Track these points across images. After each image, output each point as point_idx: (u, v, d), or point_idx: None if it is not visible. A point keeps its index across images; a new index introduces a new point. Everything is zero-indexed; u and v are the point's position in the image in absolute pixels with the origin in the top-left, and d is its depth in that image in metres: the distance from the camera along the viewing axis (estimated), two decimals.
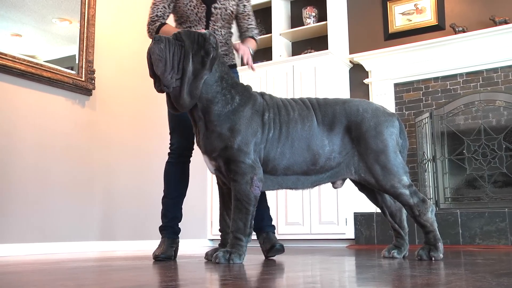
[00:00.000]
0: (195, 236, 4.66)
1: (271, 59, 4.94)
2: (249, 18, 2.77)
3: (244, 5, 2.77)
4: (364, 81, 4.80)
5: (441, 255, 2.24)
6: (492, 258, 2.41)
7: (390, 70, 4.66)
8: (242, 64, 2.67)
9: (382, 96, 4.66)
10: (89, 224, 3.68)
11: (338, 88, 4.60)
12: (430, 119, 4.29)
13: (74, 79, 3.65)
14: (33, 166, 3.36)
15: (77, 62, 3.73)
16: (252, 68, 2.60)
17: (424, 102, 4.53)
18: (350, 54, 4.90)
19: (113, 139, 3.95)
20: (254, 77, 4.66)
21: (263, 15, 5.26)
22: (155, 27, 2.61)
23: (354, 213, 4.35)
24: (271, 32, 5.07)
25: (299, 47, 5.21)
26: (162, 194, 4.43)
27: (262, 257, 2.61)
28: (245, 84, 2.36)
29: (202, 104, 2.20)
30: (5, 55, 3.23)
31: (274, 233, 2.67)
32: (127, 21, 4.22)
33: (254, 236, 2.40)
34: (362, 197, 2.66)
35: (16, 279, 1.58)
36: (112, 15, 4.09)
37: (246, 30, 2.78)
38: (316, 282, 1.40)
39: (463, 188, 4.25)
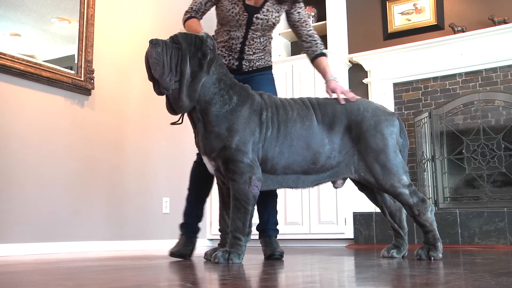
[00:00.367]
0: None
1: None
2: (306, 24, 2.70)
3: (298, 12, 2.70)
4: (363, 80, 4.81)
5: (440, 255, 2.25)
6: (491, 257, 2.41)
7: (389, 69, 4.66)
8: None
9: (381, 95, 4.67)
10: (89, 224, 3.68)
11: None
12: (429, 119, 4.30)
13: (73, 79, 3.65)
14: (32, 166, 3.35)
15: (76, 62, 3.73)
16: (353, 97, 2.43)
17: (423, 101, 4.54)
18: (349, 53, 4.90)
19: (112, 138, 3.95)
20: None
21: None
22: (184, 18, 2.71)
23: (353, 213, 4.35)
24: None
25: (298, 46, 5.21)
26: (162, 193, 4.46)
27: (262, 257, 2.61)
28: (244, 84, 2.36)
29: (200, 106, 2.21)
30: (4, 54, 3.22)
31: (277, 237, 2.67)
32: (126, 21, 4.22)
33: (254, 236, 2.40)
34: (361, 197, 2.66)
35: (16, 279, 1.58)
36: (111, 15, 4.08)
37: (308, 41, 2.69)
38: (315, 282, 1.40)
39: (462, 188, 4.26)
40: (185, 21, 2.69)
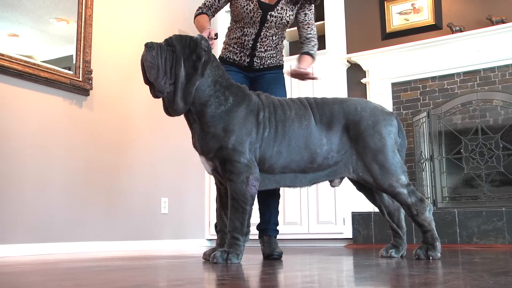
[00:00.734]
0: (193, 236, 4.66)
1: None
2: (308, 27, 2.71)
3: (305, 14, 2.72)
4: (361, 80, 4.81)
5: (439, 254, 2.25)
6: (490, 257, 2.41)
7: (388, 69, 4.67)
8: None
9: (379, 95, 4.67)
10: (87, 225, 3.67)
11: (336, 88, 4.61)
12: (428, 119, 4.30)
13: (72, 79, 3.64)
14: (30, 167, 3.35)
15: (74, 62, 3.72)
16: (315, 77, 2.55)
17: (421, 101, 4.54)
18: (347, 53, 4.90)
19: (110, 139, 3.95)
20: None
21: None
22: (195, 14, 2.73)
23: (352, 212, 4.35)
24: None
25: (296, 46, 5.21)
26: (160, 194, 4.46)
27: (260, 257, 2.61)
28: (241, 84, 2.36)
29: (195, 108, 2.21)
30: (2, 55, 3.22)
31: (276, 237, 2.67)
32: (124, 21, 4.22)
33: (252, 235, 2.40)
34: (360, 196, 2.66)
35: (14, 279, 1.58)
36: (109, 15, 4.08)
37: (303, 42, 2.72)
38: (314, 282, 1.40)
39: (460, 187, 4.26)
40: (195, 16, 2.72)
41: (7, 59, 3.24)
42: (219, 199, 2.44)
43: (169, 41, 2.20)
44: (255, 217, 2.47)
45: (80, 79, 3.71)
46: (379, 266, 1.90)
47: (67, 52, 3.72)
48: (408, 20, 4.73)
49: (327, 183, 2.44)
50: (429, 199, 4.18)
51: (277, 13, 2.64)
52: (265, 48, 2.69)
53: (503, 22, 4.19)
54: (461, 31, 4.34)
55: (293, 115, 2.28)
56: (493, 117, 4.18)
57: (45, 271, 1.84)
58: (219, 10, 2.79)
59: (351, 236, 4.33)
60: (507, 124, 4.05)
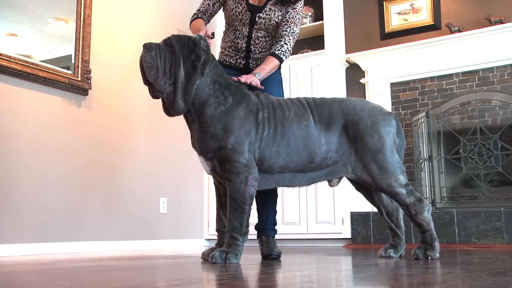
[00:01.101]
0: (191, 236, 4.66)
1: None
2: (285, 24, 2.63)
3: (287, 12, 2.66)
4: (360, 80, 4.81)
5: (438, 254, 2.25)
6: (488, 257, 2.41)
7: (387, 69, 4.67)
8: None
9: (378, 95, 4.67)
10: (86, 225, 3.67)
11: (335, 88, 4.61)
12: (426, 119, 4.30)
13: (70, 79, 3.64)
14: (29, 166, 3.35)
15: (73, 62, 3.72)
16: (258, 86, 2.45)
17: (420, 101, 4.54)
18: (346, 53, 4.90)
19: (109, 139, 3.95)
20: None
21: None
22: (190, 19, 2.74)
23: (351, 212, 4.35)
24: None
25: (295, 46, 5.16)
26: (159, 193, 4.45)
27: (259, 257, 2.61)
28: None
29: (195, 107, 2.21)
30: (1, 54, 3.21)
31: (275, 237, 2.67)
32: (123, 21, 4.22)
33: (251, 235, 2.40)
34: (359, 196, 2.66)
35: (13, 279, 1.58)
36: (108, 15, 4.08)
37: (276, 40, 2.64)
38: (313, 282, 1.40)
39: (459, 187, 4.26)
40: (191, 21, 2.73)
41: (6, 58, 3.24)
42: (218, 199, 2.44)
43: (167, 42, 2.20)
44: (253, 217, 2.47)
45: (79, 79, 3.71)
46: (377, 266, 1.90)
47: (66, 52, 3.72)
48: (407, 20, 4.74)
49: (325, 183, 2.44)
50: (427, 199, 4.19)
51: (265, 14, 2.64)
52: (260, 49, 2.69)
53: (501, 22, 4.19)
54: (460, 31, 4.34)
55: (292, 115, 2.28)
56: (491, 117, 4.18)
57: (44, 271, 1.84)
58: (214, 15, 2.80)
59: (349, 236, 4.33)
60: (505, 124, 4.05)
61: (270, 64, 2.55)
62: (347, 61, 4.88)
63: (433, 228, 2.29)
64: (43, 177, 3.43)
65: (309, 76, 4.59)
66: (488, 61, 4.24)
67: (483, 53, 4.25)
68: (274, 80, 2.72)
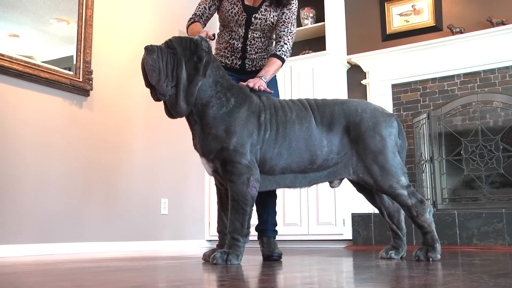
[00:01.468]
0: (192, 237, 4.66)
1: None
2: (282, 25, 2.64)
3: (283, 12, 2.66)
4: (361, 82, 4.81)
5: (439, 256, 2.25)
6: (489, 258, 2.41)
7: (388, 71, 4.67)
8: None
9: (379, 97, 4.67)
10: (87, 225, 3.67)
11: (336, 89, 4.61)
12: (428, 120, 4.30)
13: (72, 80, 3.64)
14: (30, 167, 3.35)
15: (74, 62, 3.72)
16: (268, 90, 2.48)
17: (421, 103, 4.54)
18: (348, 55, 4.90)
19: (110, 139, 3.95)
20: None
21: None
22: (187, 24, 2.73)
23: (352, 213, 4.35)
24: None
25: (296, 48, 5.21)
26: (160, 194, 4.45)
27: (260, 258, 2.61)
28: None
29: (197, 108, 2.22)
30: (3, 55, 3.22)
31: (275, 238, 2.67)
32: (125, 22, 4.22)
33: (252, 237, 2.40)
34: (360, 198, 2.66)
35: (13, 280, 1.58)
36: (110, 16, 4.08)
37: (275, 41, 2.66)
38: (314, 283, 1.40)
39: (460, 189, 4.26)
40: (188, 26, 2.72)
41: (8, 59, 3.24)
42: (219, 200, 2.44)
43: (169, 44, 2.20)
44: (254, 218, 2.47)
45: (80, 80, 3.71)
46: (378, 268, 1.90)
47: (67, 53, 3.72)
48: (408, 21, 4.74)
49: (326, 184, 2.44)
50: (429, 200, 4.18)
51: (261, 15, 2.65)
52: (256, 50, 2.70)
53: (503, 23, 4.19)
54: (461, 32, 4.34)
55: (294, 117, 2.28)
56: (493, 119, 4.18)
57: (45, 272, 1.84)
58: (210, 18, 2.79)
59: (351, 237, 4.33)
60: (507, 125, 4.05)
61: (273, 66, 2.56)
62: (348, 62, 4.88)
63: (434, 229, 2.28)
64: (44, 178, 3.43)
65: (310, 77, 4.59)
66: (489, 62, 4.24)
67: (485, 54, 4.25)
68: (270, 82, 2.72)
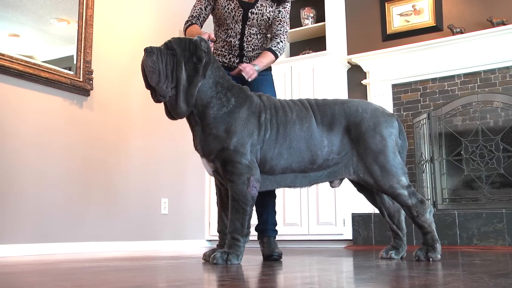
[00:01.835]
0: (193, 237, 4.66)
1: None
2: (279, 23, 2.71)
3: (279, 11, 2.73)
4: (362, 82, 4.81)
5: (439, 256, 2.25)
6: (490, 259, 2.41)
7: (388, 71, 4.67)
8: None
9: (380, 97, 4.67)
10: (87, 225, 3.67)
11: (336, 89, 4.61)
12: (428, 120, 4.30)
13: (72, 80, 3.65)
14: (30, 167, 3.35)
15: (75, 62, 3.72)
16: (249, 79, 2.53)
17: (422, 103, 4.54)
18: (348, 55, 4.90)
19: (110, 139, 3.95)
20: None
21: None
22: (184, 28, 2.72)
23: (352, 213, 4.35)
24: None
25: (297, 48, 5.22)
26: (160, 194, 4.45)
27: (260, 258, 2.61)
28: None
29: (197, 109, 2.22)
30: (3, 55, 3.22)
31: (275, 237, 2.67)
32: (125, 22, 4.22)
33: (252, 237, 2.39)
34: (360, 198, 2.66)
35: (13, 279, 1.58)
36: (110, 16, 4.08)
37: (271, 38, 2.73)
38: (314, 283, 1.40)
39: (460, 189, 4.26)
40: (185, 29, 2.71)
41: (8, 59, 3.24)
42: (219, 200, 2.44)
43: (168, 45, 2.20)
44: (253, 219, 2.47)
45: (81, 80, 3.71)
46: (379, 268, 1.90)
47: (67, 53, 3.72)
48: (408, 21, 4.73)
49: (327, 184, 2.44)
50: (429, 200, 4.18)
51: (258, 10, 2.67)
52: (252, 47, 2.71)
53: (503, 24, 4.19)
54: (461, 32, 4.34)
55: (295, 117, 2.28)
56: (493, 119, 4.17)
57: (45, 271, 1.84)
58: (207, 19, 2.79)
59: (351, 238, 4.33)
60: (507, 125, 4.05)
61: (267, 58, 2.63)
62: (348, 62, 4.88)
63: (434, 229, 2.28)
64: (44, 178, 3.43)
65: (311, 77, 4.59)
66: (490, 62, 4.24)
67: (485, 54, 4.25)
68: (267, 81, 2.75)
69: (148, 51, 2.15)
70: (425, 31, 4.62)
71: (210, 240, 4.81)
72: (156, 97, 2.19)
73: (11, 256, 3.08)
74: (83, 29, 3.77)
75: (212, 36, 2.43)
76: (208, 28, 2.84)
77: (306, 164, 2.26)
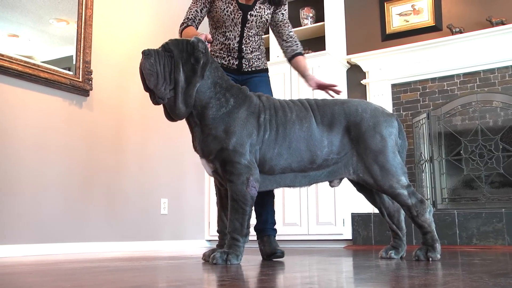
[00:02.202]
0: (192, 237, 4.66)
1: (269, 60, 4.94)
2: (288, 25, 2.79)
3: (283, 14, 2.79)
4: (361, 81, 4.81)
5: (439, 256, 2.25)
6: (489, 258, 2.41)
7: (388, 70, 4.67)
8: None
9: (379, 96, 4.67)
10: (87, 225, 3.67)
11: None
12: (427, 120, 4.30)
13: (71, 80, 3.64)
14: (30, 167, 3.35)
15: (74, 62, 3.72)
16: (337, 92, 2.66)
17: (421, 102, 4.54)
18: (347, 54, 4.91)
19: (110, 139, 3.95)
20: None
21: None
22: (180, 30, 2.72)
23: (352, 213, 4.35)
24: (268, 33, 5.07)
25: None
26: (160, 194, 4.45)
27: (260, 258, 2.61)
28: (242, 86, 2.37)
29: (197, 110, 2.22)
30: (2, 55, 3.22)
31: (275, 236, 2.67)
32: (124, 22, 4.22)
33: (252, 237, 2.40)
34: (360, 197, 2.66)
35: (13, 280, 1.58)
36: (110, 16, 4.08)
37: (288, 40, 2.76)
38: (314, 283, 1.40)
39: (460, 189, 4.26)
40: (181, 31, 2.69)
41: (7, 59, 3.24)
42: (219, 200, 2.44)
43: (166, 47, 2.20)
44: (253, 218, 2.47)
45: (80, 80, 3.71)
46: (378, 267, 1.90)
47: (67, 53, 3.72)
48: (408, 21, 4.74)
49: (326, 183, 2.44)
50: (428, 200, 4.18)
51: (256, 12, 2.69)
52: (251, 49, 2.73)
53: (503, 23, 4.19)
54: (461, 32, 4.34)
55: (294, 117, 2.28)
56: (492, 119, 4.18)
57: (45, 272, 1.84)
58: (202, 21, 2.78)
59: (350, 237, 4.33)
60: (507, 125, 4.05)
61: (305, 62, 2.78)
62: (348, 62, 4.88)
63: (434, 229, 2.28)
64: (43, 178, 3.43)
65: None
66: (489, 62, 4.24)
67: (484, 54, 4.25)
68: (264, 83, 2.77)
69: (146, 53, 2.15)
70: (425, 31, 4.63)
71: (209, 240, 4.81)
72: (155, 100, 2.19)
73: (11, 256, 3.07)
74: (83, 30, 3.77)
75: (209, 37, 2.42)
76: (203, 30, 2.83)
77: (306, 164, 2.26)
